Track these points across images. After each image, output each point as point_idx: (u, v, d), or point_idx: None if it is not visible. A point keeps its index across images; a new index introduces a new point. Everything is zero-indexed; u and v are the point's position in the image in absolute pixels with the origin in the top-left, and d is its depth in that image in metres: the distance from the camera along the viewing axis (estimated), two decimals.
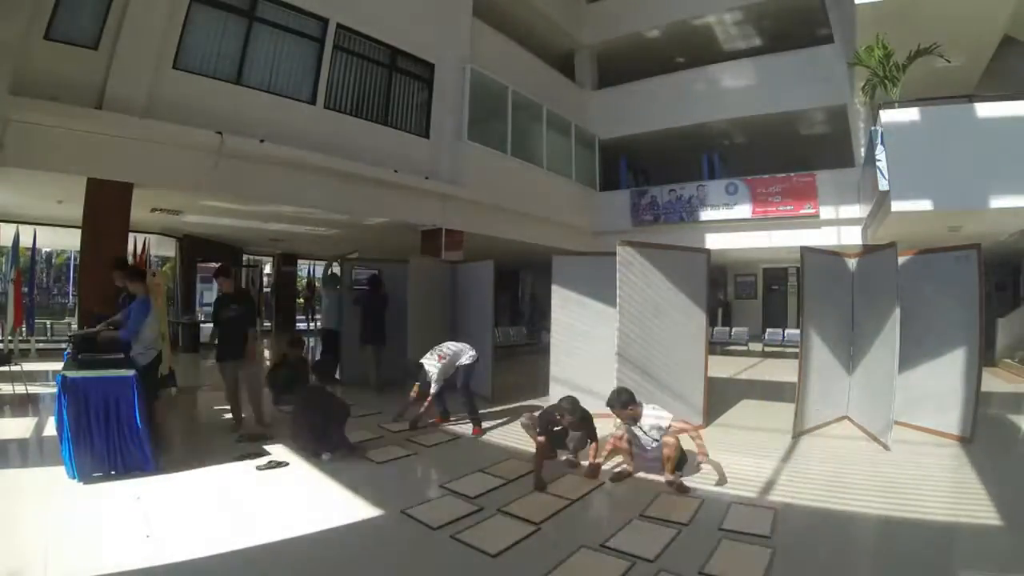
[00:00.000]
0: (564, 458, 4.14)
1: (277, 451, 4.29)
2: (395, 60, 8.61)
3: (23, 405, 5.74)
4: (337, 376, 7.02)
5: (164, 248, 11.93)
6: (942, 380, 4.88)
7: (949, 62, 7.37)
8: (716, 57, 12.59)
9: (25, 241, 9.13)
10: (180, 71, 6.16)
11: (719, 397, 6.22)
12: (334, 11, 7.61)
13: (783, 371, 8.40)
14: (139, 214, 7.02)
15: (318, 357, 8.37)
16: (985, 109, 6.54)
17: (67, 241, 11.12)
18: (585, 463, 4.02)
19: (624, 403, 3.78)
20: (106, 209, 5.56)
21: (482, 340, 6.21)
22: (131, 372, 3.76)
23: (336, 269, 11.06)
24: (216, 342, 5.14)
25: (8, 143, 4.93)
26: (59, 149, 5.20)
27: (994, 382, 7.50)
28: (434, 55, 9.05)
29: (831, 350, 5.31)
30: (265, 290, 17.70)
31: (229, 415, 5.13)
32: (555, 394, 5.26)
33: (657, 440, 3.75)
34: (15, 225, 8.70)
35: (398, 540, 2.89)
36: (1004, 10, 7.40)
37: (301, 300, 18.12)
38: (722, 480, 3.70)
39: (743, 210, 11.26)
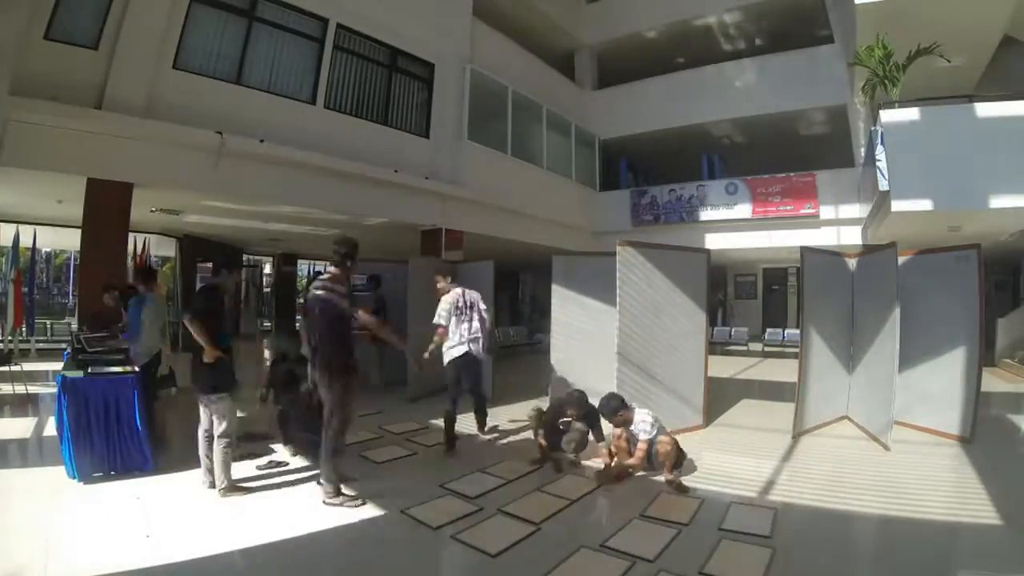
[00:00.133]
0: (565, 458, 4.13)
1: (277, 451, 4.31)
2: (395, 60, 8.61)
3: (23, 405, 5.75)
4: None
5: (164, 248, 11.92)
6: (942, 380, 4.88)
7: (949, 62, 7.36)
8: (716, 57, 12.58)
9: (25, 241, 9.14)
10: (180, 71, 6.15)
11: (719, 397, 6.22)
12: (334, 11, 7.60)
13: (783, 371, 8.40)
14: (139, 214, 7.02)
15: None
16: (985, 109, 6.52)
17: (67, 241, 11.09)
18: (585, 463, 4.02)
19: (614, 409, 3.80)
20: (106, 209, 5.54)
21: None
22: (131, 372, 3.77)
23: None
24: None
25: (8, 143, 4.92)
26: (59, 149, 5.19)
27: (994, 382, 7.50)
28: (434, 55, 9.04)
29: (831, 350, 5.31)
30: (265, 290, 17.70)
31: None
32: (555, 394, 5.26)
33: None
34: (15, 225, 8.70)
35: (398, 540, 2.89)
36: (1004, 10, 7.39)
37: (301, 300, 18.08)
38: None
39: (743, 210, 11.24)
